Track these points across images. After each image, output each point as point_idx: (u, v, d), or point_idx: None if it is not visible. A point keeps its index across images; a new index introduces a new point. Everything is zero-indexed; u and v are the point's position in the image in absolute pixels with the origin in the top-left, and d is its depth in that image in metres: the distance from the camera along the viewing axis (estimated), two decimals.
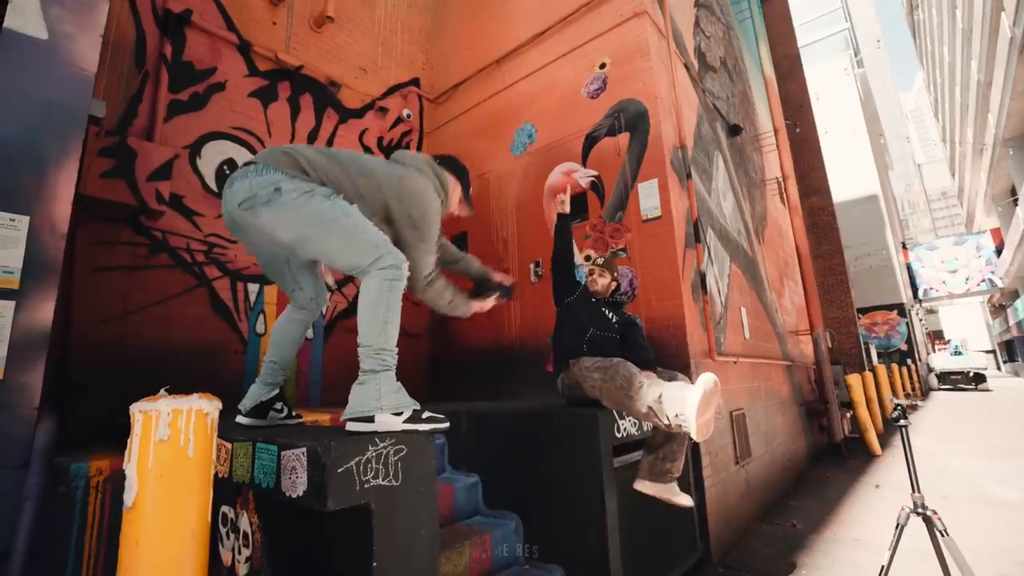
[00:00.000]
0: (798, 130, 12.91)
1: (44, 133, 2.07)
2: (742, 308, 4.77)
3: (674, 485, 2.33)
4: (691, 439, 2.08)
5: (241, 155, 4.01)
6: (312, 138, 4.57)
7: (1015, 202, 20.29)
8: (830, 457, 6.61)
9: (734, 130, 5.87)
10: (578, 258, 4.06)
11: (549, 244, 4.28)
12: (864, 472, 5.65)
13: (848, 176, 22.61)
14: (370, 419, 1.49)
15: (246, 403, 1.99)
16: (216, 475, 1.60)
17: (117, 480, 1.95)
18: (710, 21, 6.14)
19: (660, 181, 3.68)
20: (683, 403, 1.94)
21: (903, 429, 2.12)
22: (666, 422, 2.02)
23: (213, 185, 3.80)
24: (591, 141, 4.16)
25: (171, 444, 1.22)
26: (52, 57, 2.13)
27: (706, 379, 1.95)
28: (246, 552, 1.76)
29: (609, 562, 2.20)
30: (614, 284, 2.95)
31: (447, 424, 1.63)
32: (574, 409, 2.51)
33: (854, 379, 7.16)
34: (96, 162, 3.01)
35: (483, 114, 5.17)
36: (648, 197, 3.71)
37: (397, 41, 5.63)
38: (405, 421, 1.53)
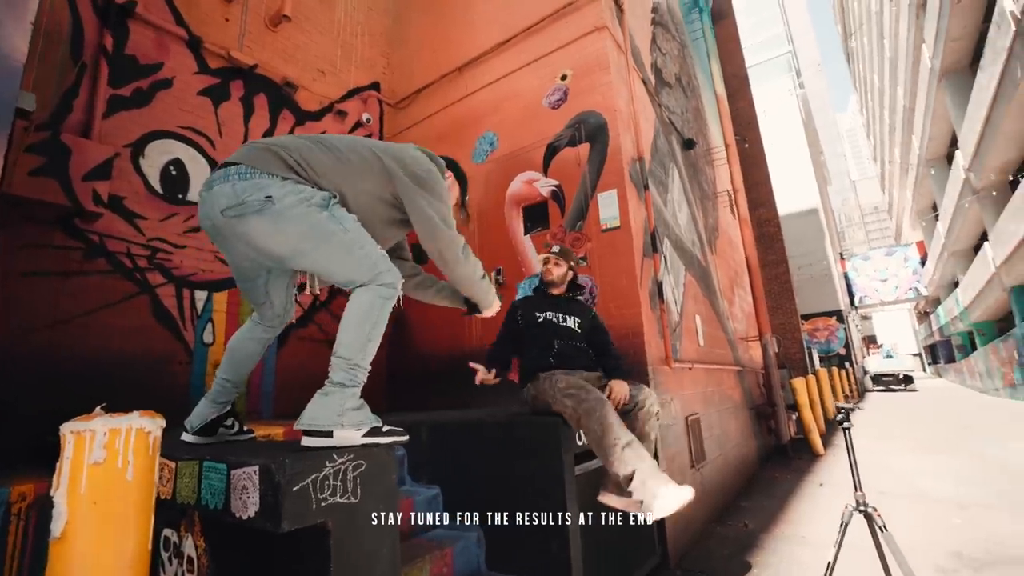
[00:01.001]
0: (747, 146, 13.58)
1: None
2: (696, 316, 4.93)
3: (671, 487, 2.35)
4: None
5: (189, 155, 3.82)
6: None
7: (936, 218, 22.06)
8: (778, 458, 6.92)
9: (688, 144, 6.10)
10: (535, 266, 4.09)
11: (510, 251, 4.31)
12: (809, 471, 5.93)
13: (791, 190, 23.94)
14: (328, 434, 1.43)
15: (193, 421, 1.86)
16: (158, 496, 1.50)
17: (43, 507, 1.79)
18: (666, 39, 6.37)
19: (619, 192, 3.76)
20: (652, 502, 1.96)
21: (847, 432, 2.24)
22: (627, 491, 2.04)
23: (158, 186, 3.59)
24: (552, 151, 4.22)
25: (107, 467, 1.13)
26: None
27: (687, 495, 1.97)
28: None
29: (572, 570, 2.20)
30: (570, 274, 2.91)
31: (406, 437, 1.59)
32: (536, 418, 2.51)
33: (799, 382, 7.53)
34: (24, 158, 2.78)
35: (445, 120, 5.15)
36: (607, 207, 3.79)
37: (357, 44, 5.53)
38: (364, 435, 1.48)
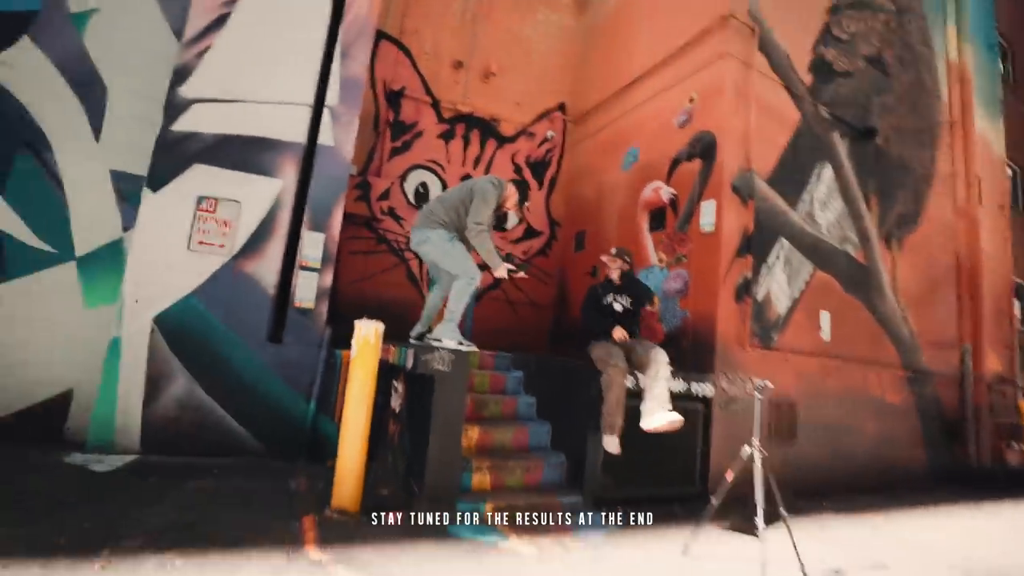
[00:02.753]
0: None
1: (331, 191, 4.27)
2: (824, 312, 5.13)
3: (615, 438, 3.45)
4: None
5: (430, 178, 6.12)
6: (476, 162, 6.47)
7: None
8: (974, 482, 6.10)
9: (868, 133, 5.83)
10: (652, 258, 5.14)
11: (639, 245, 5.41)
12: (973, 509, 5.36)
13: None
14: (439, 340, 3.21)
15: (413, 332, 3.91)
16: (387, 360, 3.54)
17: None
18: (859, 19, 6.06)
19: (718, 202, 4.50)
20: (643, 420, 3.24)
21: None
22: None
23: (412, 200, 5.98)
24: (675, 164, 5.10)
25: (366, 340, 3.11)
26: (334, 154, 4.30)
27: (672, 417, 3.16)
28: (397, 400, 3.69)
29: (587, 461, 3.55)
30: (625, 267, 3.93)
31: (476, 349, 3.26)
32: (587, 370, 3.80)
33: None
34: (352, 192, 5.35)
35: (608, 134, 6.37)
36: (707, 214, 4.58)
37: (548, 73, 7.12)
38: (456, 343, 3.20)
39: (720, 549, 2.97)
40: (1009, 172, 9.55)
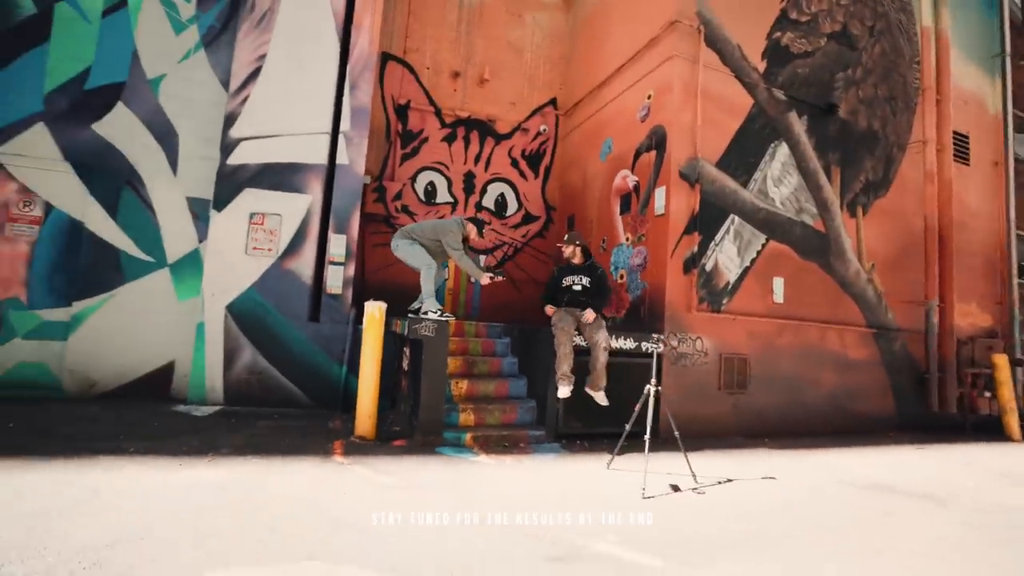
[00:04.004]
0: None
1: (348, 200, 5.40)
2: (777, 278, 5.81)
3: (601, 393, 4.39)
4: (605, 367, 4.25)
5: (437, 178, 7.15)
6: (477, 159, 7.42)
7: None
8: (940, 429, 6.65)
9: (829, 109, 6.31)
10: (622, 237, 5.98)
11: (612, 226, 6.26)
12: (931, 447, 5.96)
13: None
14: (423, 311, 4.31)
15: (414, 305, 5.03)
16: (395, 331, 4.70)
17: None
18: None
19: (667, 189, 5.28)
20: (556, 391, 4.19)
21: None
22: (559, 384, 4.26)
23: (422, 197, 7.05)
24: (637, 154, 5.87)
25: (372, 316, 4.24)
26: (349, 170, 5.41)
27: (562, 393, 4.12)
28: (406, 361, 4.85)
29: (548, 403, 4.57)
30: (579, 250, 4.70)
31: (452, 318, 4.33)
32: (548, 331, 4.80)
33: (1001, 358, 6.71)
34: (371, 195, 6.49)
35: (590, 126, 7.15)
36: (659, 199, 5.38)
37: (540, 73, 7.91)
38: (435, 314, 4.29)
39: (635, 464, 3.93)
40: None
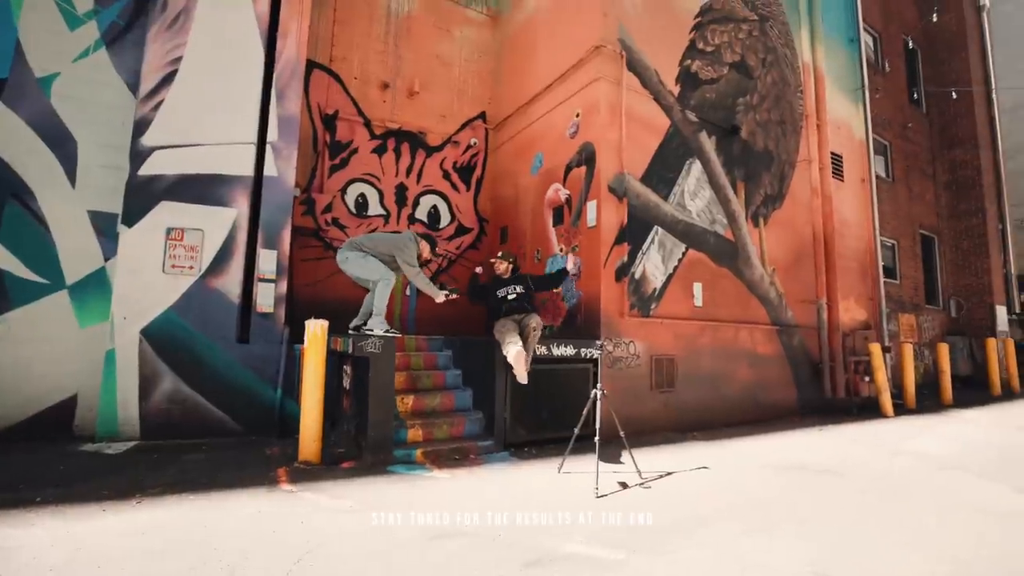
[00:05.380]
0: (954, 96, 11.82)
1: (279, 214, 5.15)
2: (697, 283, 6.36)
3: (523, 371, 4.51)
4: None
5: (368, 190, 7.00)
6: (408, 171, 7.37)
7: None
8: (833, 412, 7.56)
9: (732, 130, 7.03)
10: (555, 248, 6.23)
11: (545, 237, 6.49)
12: (828, 425, 6.80)
13: None
14: (371, 330, 4.22)
15: (352, 324, 4.88)
16: (335, 348, 4.54)
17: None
18: (721, 31, 7.18)
19: (597, 202, 5.60)
20: (505, 355, 4.28)
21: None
22: (507, 356, 4.35)
23: (353, 210, 6.86)
24: (568, 168, 6.17)
25: (314, 334, 4.08)
26: (278, 182, 5.17)
27: (512, 352, 4.23)
28: (347, 380, 4.69)
29: (496, 414, 4.65)
30: (510, 265, 4.99)
31: (399, 335, 4.29)
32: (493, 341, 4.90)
33: (875, 347, 7.80)
34: (299, 208, 6.21)
35: (519, 141, 7.37)
36: (591, 212, 5.68)
37: (469, 87, 8.03)
38: (383, 331, 4.22)
39: (583, 466, 4.12)
40: (885, 144, 11.11)
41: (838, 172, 8.54)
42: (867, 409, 7.77)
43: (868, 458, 4.74)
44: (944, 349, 8.97)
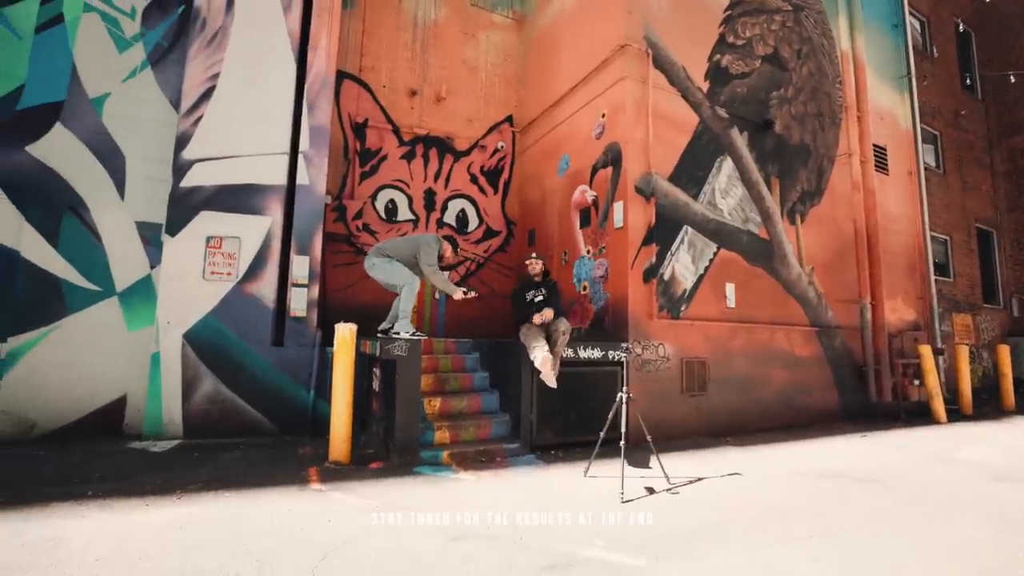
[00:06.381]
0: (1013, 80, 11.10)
1: (311, 221, 5.32)
2: (729, 284, 6.18)
3: (552, 376, 4.48)
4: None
5: (397, 196, 7.14)
6: (436, 176, 7.47)
7: None
8: (878, 417, 7.21)
9: (765, 125, 6.81)
10: (583, 250, 6.19)
11: (573, 239, 6.45)
12: (874, 433, 6.47)
13: None
14: (398, 333, 4.30)
15: (381, 327, 4.99)
16: (364, 351, 4.64)
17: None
18: (753, 23, 6.97)
19: (624, 203, 5.53)
20: (533, 361, 4.27)
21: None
22: (535, 361, 4.33)
23: (383, 215, 7.01)
24: (594, 170, 6.11)
25: (343, 338, 4.19)
26: (310, 190, 5.33)
27: (538, 357, 4.20)
28: (376, 382, 4.79)
29: (522, 416, 4.65)
30: (541, 268, 4.93)
31: (425, 337, 4.35)
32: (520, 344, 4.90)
33: (925, 349, 7.38)
34: (330, 215, 6.39)
35: (546, 143, 7.36)
36: (618, 213, 5.61)
37: (495, 91, 8.08)
38: (409, 334, 4.29)
39: (610, 470, 4.06)
40: (935, 134, 10.51)
41: (882, 165, 8.13)
42: (917, 415, 7.35)
43: (914, 466, 4.49)
44: (1005, 351, 8.38)
